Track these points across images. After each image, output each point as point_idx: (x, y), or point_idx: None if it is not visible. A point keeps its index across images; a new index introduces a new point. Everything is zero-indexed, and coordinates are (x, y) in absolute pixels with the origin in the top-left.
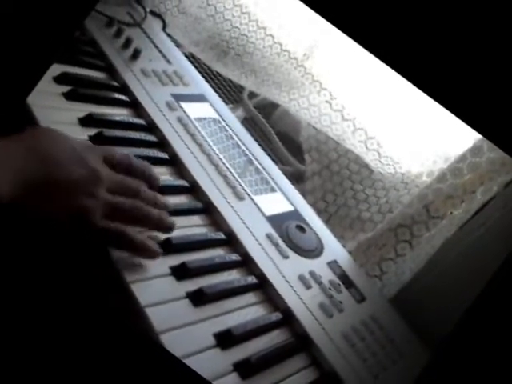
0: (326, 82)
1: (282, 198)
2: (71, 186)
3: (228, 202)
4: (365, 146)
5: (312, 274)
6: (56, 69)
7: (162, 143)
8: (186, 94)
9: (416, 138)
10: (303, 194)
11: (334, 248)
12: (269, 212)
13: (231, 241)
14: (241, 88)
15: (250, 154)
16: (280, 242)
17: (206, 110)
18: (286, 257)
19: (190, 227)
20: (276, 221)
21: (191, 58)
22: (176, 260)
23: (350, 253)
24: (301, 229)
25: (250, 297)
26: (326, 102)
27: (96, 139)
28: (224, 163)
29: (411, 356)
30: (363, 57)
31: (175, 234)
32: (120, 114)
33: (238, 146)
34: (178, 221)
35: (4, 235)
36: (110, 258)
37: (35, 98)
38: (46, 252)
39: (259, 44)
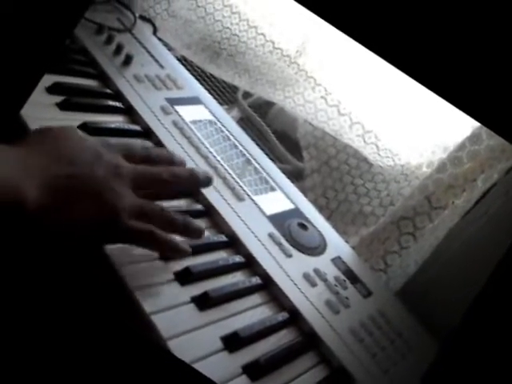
0: (321, 78)
1: (282, 196)
2: (97, 187)
3: (228, 204)
4: (363, 139)
5: (316, 271)
6: (48, 79)
7: None
8: (180, 97)
9: (414, 129)
10: (303, 191)
11: (337, 244)
12: (270, 211)
13: (234, 242)
14: (235, 88)
15: (247, 154)
16: (283, 240)
17: (201, 112)
18: (289, 255)
19: None
20: (277, 220)
21: (183, 61)
22: (179, 265)
23: (353, 248)
24: (303, 226)
25: (256, 298)
26: (322, 97)
27: None
28: (222, 165)
29: (420, 348)
30: (356, 50)
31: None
32: (115, 121)
33: (236, 146)
34: None
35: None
36: (112, 266)
37: (29, 110)
38: (49, 263)
39: (251, 43)
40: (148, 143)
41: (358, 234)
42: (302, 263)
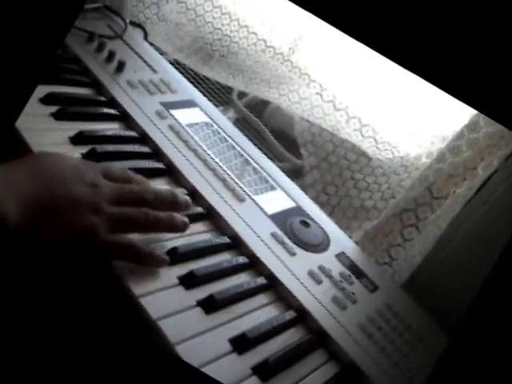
0: (315, 74)
1: (282, 195)
2: (75, 204)
3: (229, 205)
4: (360, 133)
5: (321, 268)
6: (41, 90)
7: (157, 153)
8: (175, 101)
9: (411, 121)
10: (303, 188)
11: (341, 240)
12: (271, 210)
13: (237, 244)
14: (229, 89)
15: (245, 155)
16: (286, 239)
17: (197, 114)
18: (293, 254)
19: (193, 235)
20: (279, 219)
21: (176, 64)
22: (183, 269)
23: (357, 243)
24: (305, 224)
25: (262, 298)
26: (317, 93)
27: (89, 156)
28: (221, 166)
29: (430, 339)
30: (349, 44)
31: (180, 242)
32: (111, 128)
33: (233, 147)
34: None
35: (13, 258)
36: (115, 274)
37: (24, 121)
38: (53, 275)
39: (243, 43)
40: (145, 149)
41: (361, 229)
42: (306, 261)
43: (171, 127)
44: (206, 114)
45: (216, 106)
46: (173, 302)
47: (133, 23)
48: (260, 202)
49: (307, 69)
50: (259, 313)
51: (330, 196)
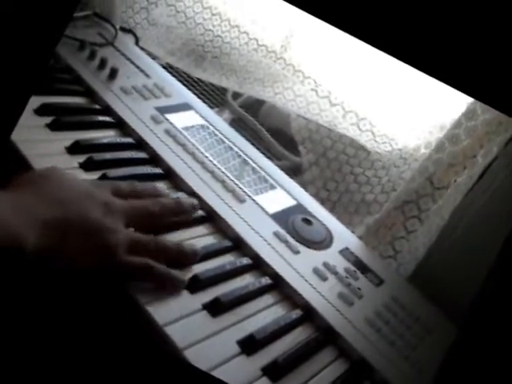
0: (309, 71)
1: (282, 193)
2: (92, 226)
3: (230, 207)
4: (357, 127)
5: (326, 265)
6: (35, 101)
7: (154, 158)
8: (170, 105)
9: (408, 112)
10: (303, 186)
11: (344, 235)
12: (272, 210)
13: (239, 245)
14: (224, 90)
15: (243, 155)
16: (288, 238)
17: (192, 117)
18: (296, 252)
19: (196, 238)
20: (281, 217)
21: (169, 68)
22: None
23: (360, 238)
24: (307, 221)
25: (268, 298)
26: (312, 90)
27: (87, 165)
28: (219, 168)
29: (438, 331)
30: (342, 38)
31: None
32: (107, 136)
33: (231, 148)
34: (184, 234)
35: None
36: (121, 283)
37: (19, 133)
38: (61, 287)
39: (235, 43)
40: (143, 154)
41: (364, 223)
42: (310, 258)
43: (167, 131)
44: (201, 116)
45: (211, 107)
46: (179, 307)
47: (123, 29)
48: (260, 202)
49: (301, 66)
50: (266, 313)
51: (331, 192)
